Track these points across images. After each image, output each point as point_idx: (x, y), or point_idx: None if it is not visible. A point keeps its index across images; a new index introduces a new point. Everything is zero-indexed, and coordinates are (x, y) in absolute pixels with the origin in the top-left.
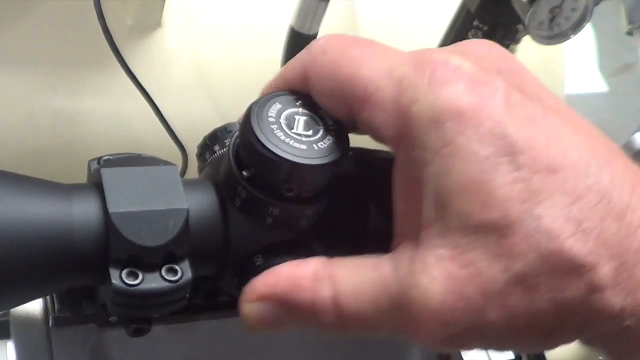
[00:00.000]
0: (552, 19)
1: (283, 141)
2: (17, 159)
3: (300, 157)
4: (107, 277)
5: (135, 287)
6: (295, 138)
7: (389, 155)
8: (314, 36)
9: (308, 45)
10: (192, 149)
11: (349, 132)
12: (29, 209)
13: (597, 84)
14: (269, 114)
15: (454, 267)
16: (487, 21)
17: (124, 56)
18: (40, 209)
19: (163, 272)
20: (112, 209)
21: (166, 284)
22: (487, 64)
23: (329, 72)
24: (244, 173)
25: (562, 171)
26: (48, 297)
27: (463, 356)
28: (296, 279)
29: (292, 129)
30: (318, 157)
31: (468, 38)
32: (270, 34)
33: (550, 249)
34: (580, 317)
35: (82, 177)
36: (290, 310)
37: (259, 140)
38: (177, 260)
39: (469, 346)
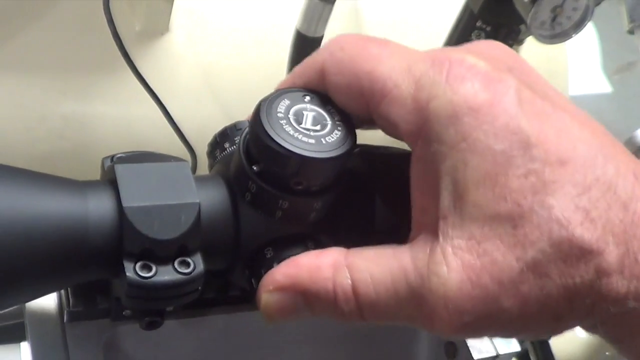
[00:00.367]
0: (554, 19)
1: (292, 136)
2: (28, 163)
3: (309, 150)
4: (122, 270)
5: (148, 280)
6: (304, 133)
7: (394, 151)
8: (319, 39)
9: (326, 43)
10: (201, 151)
11: (361, 128)
12: (45, 204)
13: (601, 85)
14: (278, 110)
15: (471, 257)
16: (490, 22)
17: (133, 61)
18: (57, 204)
19: (176, 264)
20: (126, 204)
21: (179, 276)
22: (499, 64)
23: (348, 68)
24: (254, 168)
25: (572, 164)
26: (63, 293)
27: (470, 350)
28: (316, 269)
29: (301, 124)
30: (326, 151)
31: (471, 39)
32: (276, 37)
33: (561, 236)
34: (589, 300)
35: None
36: (310, 299)
37: (268, 135)
38: (189, 253)
39: (483, 334)
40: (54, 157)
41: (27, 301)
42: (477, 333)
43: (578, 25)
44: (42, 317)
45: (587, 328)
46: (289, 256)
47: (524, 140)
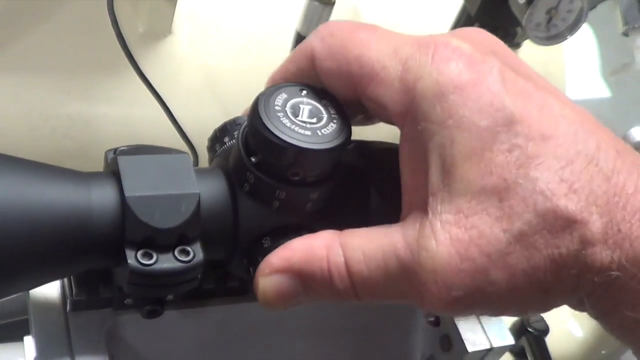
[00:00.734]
0: (549, 20)
1: (289, 128)
2: None
3: (305, 142)
4: (123, 258)
5: (150, 267)
6: (301, 125)
7: (387, 146)
8: None
9: (315, 30)
10: (202, 150)
11: (355, 118)
12: (49, 194)
13: (600, 90)
14: (276, 103)
15: (459, 230)
16: (486, 24)
17: (136, 62)
18: (61, 193)
19: (176, 253)
20: (128, 193)
21: (179, 264)
22: (483, 47)
23: (337, 53)
24: (252, 159)
25: (554, 138)
26: (66, 282)
27: (465, 343)
28: (310, 249)
29: (298, 116)
30: (322, 143)
31: None
32: (276, 39)
33: (546, 207)
34: (575, 271)
35: None
36: (306, 280)
37: (266, 127)
38: (189, 242)
39: (474, 310)
40: (59, 157)
41: (30, 289)
42: (467, 309)
43: (573, 27)
44: (45, 306)
45: (575, 305)
46: None
47: (507, 116)
